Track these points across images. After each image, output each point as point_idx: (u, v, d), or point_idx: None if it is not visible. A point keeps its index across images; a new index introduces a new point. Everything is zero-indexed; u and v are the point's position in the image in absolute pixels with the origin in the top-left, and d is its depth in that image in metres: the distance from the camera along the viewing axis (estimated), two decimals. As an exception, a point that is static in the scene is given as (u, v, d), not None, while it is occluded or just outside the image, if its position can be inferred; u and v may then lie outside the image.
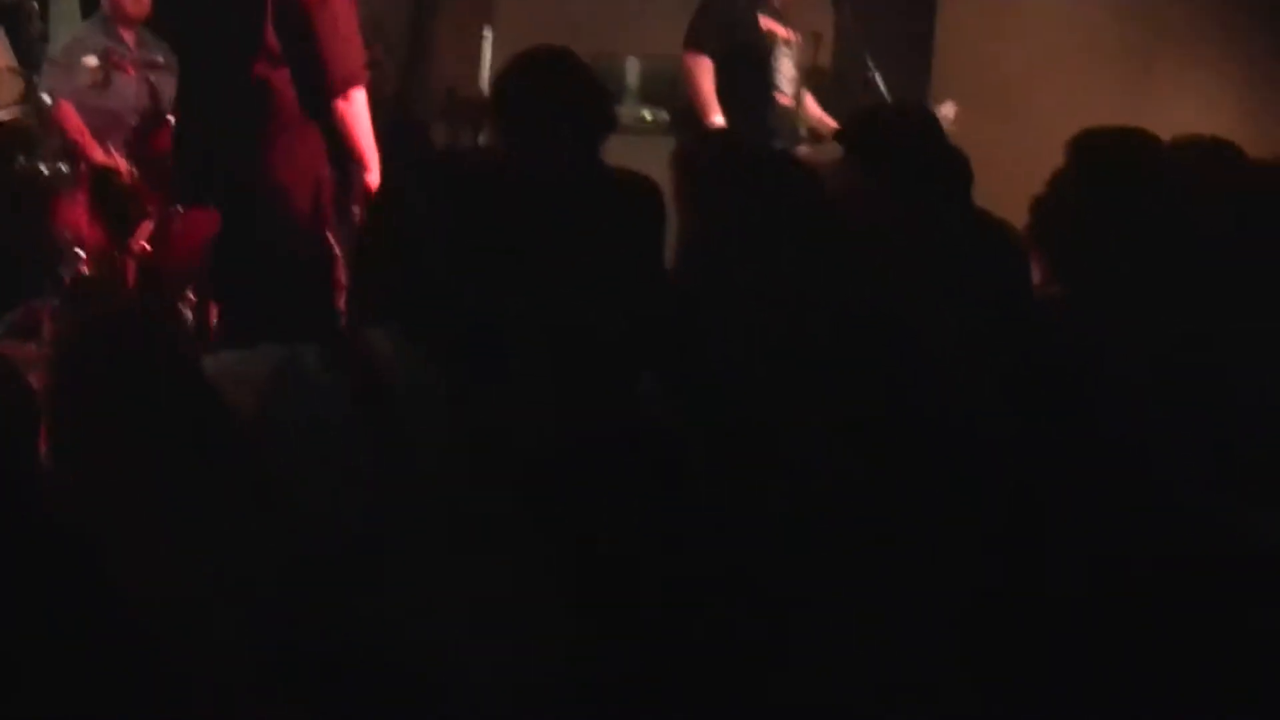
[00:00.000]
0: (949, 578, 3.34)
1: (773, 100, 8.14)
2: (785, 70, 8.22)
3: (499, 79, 4.72)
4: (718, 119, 7.89)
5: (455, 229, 3.12)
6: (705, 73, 7.95)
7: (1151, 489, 3.62)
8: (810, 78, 8.62)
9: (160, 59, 8.66)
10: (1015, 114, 9.40)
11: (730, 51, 8.00)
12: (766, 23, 8.16)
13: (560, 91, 4.47)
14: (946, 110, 8.05)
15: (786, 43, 8.24)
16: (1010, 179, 6.86)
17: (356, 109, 6.02)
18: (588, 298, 3.54)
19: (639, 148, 8.29)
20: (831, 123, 8.23)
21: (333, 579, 2.77)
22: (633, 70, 10.59)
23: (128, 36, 8.84)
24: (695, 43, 8.03)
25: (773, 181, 3.96)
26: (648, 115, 9.95)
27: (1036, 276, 4.70)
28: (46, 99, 8.49)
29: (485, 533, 2.94)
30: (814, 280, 3.72)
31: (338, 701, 2.72)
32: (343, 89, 5.96)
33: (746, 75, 8.05)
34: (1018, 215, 4.96)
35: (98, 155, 8.39)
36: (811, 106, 8.47)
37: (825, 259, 3.76)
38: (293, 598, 2.71)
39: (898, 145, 4.59)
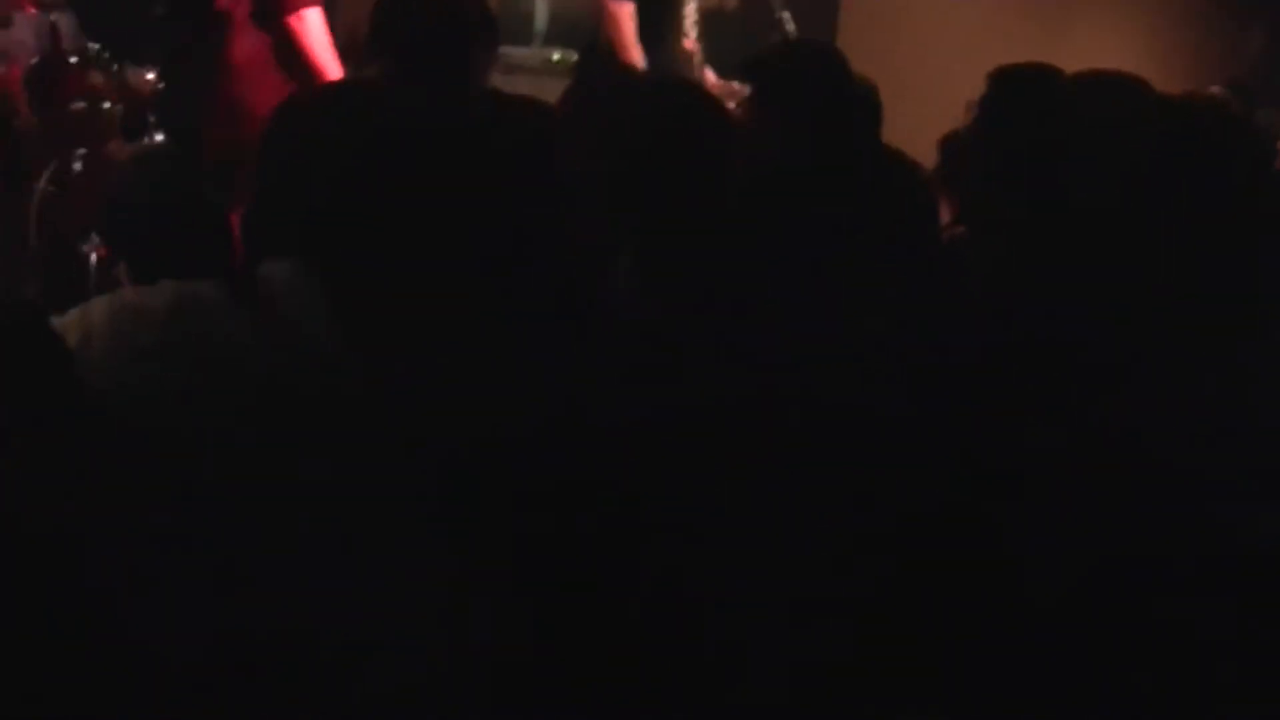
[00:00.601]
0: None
1: (680, 44, 8.10)
2: (690, 13, 8.19)
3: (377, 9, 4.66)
4: (639, 59, 7.86)
5: (344, 165, 3.08)
6: (628, 17, 7.94)
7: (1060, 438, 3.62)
8: (714, 19, 8.56)
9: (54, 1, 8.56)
10: (922, 51, 9.41)
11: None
12: None
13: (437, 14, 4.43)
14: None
15: None
16: (918, 118, 6.93)
17: (310, 28, 6.05)
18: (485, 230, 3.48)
19: (547, 89, 8.30)
20: (712, 74, 8.20)
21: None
22: (541, 13, 10.56)
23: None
24: None
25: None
26: (555, 56, 9.92)
27: (944, 216, 4.72)
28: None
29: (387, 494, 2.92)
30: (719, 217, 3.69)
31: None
32: (294, 7, 5.99)
33: (658, 18, 8.01)
34: (926, 154, 4.99)
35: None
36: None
37: (726, 196, 3.73)
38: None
39: (804, 82, 4.56)
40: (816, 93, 4.46)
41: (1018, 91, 4.30)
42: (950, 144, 5.45)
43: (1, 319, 2.72)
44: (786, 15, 8.21)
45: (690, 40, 8.16)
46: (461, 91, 4.39)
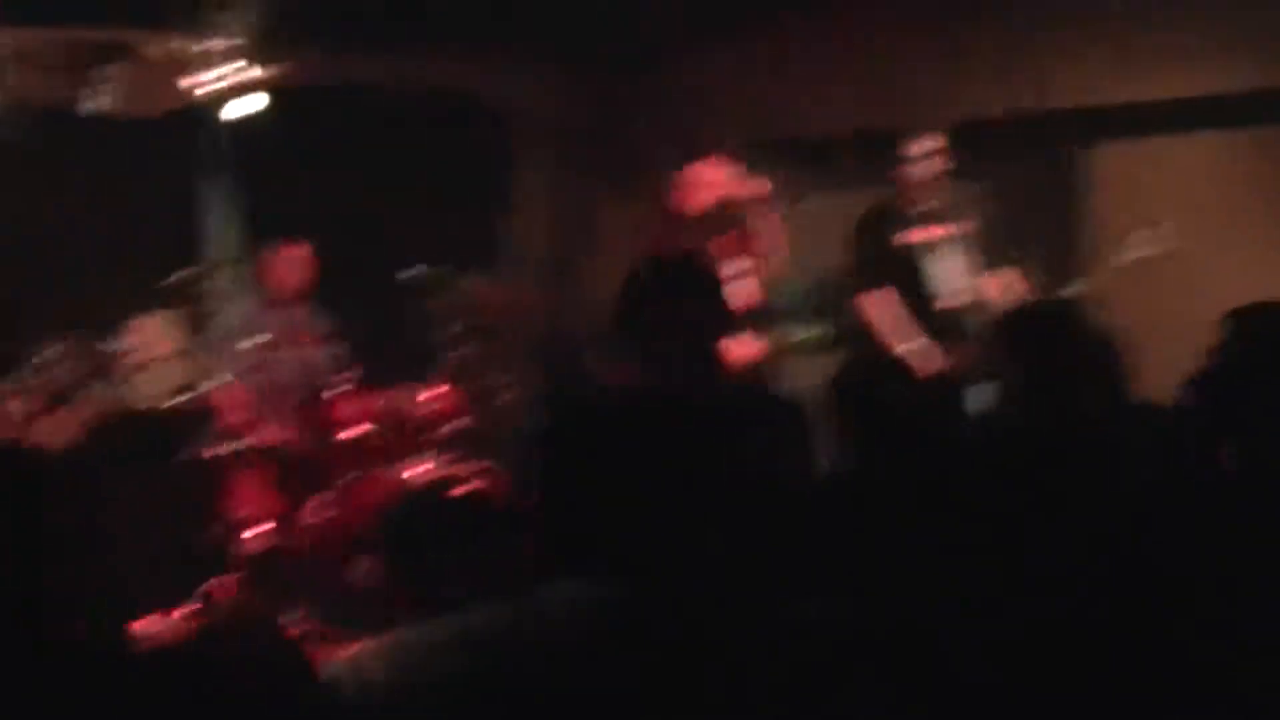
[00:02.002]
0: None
1: (930, 309, 8.17)
2: (941, 272, 8.21)
3: (622, 293, 4.70)
4: (901, 350, 7.88)
5: (624, 471, 3.14)
6: (874, 310, 8.18)
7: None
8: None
9: (320, 333, 8.83)
10: (1164, 289, 9.34)
11: (881, 279, 8.17)
12: (917, 234, 8.24)
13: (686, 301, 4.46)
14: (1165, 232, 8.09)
15: (939, 244, 8.27)
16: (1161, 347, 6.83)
17: None
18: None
19: (804, 366, 8.36)
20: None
21: None
22: (794, 287, 10.65)
23: (288, 313, 9.05)
24: (865, 282, 8.26)
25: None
26: (812, 334, 9.99)
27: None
28: (214, 382, 8.63)
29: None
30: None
31: None
32: None
33: (907, 291, 8.16)
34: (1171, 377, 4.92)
35: (266, 433, 8.56)
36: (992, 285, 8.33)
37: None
38: None
39: (1046, 343, 4.56)
40: (1059, 354, 4.45)
41: (1258, 334, 4.24)
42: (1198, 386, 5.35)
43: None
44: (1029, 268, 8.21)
45: (950, 299, 8.24)
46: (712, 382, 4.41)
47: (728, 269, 7.74)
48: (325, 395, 8.32)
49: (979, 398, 6.64)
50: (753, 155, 8.00)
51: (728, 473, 3.67)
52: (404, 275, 9.36)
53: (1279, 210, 9.55)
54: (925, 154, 8.18)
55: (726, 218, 7.87)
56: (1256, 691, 3.48)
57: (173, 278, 9.07)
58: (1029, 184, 10.07)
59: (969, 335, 8.03)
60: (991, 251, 8.28)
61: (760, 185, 7.86)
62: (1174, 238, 8.21)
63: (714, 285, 6.80)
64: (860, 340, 8.22)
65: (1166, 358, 5.26)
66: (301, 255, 9.17)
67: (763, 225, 7.85)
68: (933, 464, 4.17)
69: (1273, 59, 9.18)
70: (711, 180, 7.81)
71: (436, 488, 7.60)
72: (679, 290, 4.45)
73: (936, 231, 8.23)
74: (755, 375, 7.66)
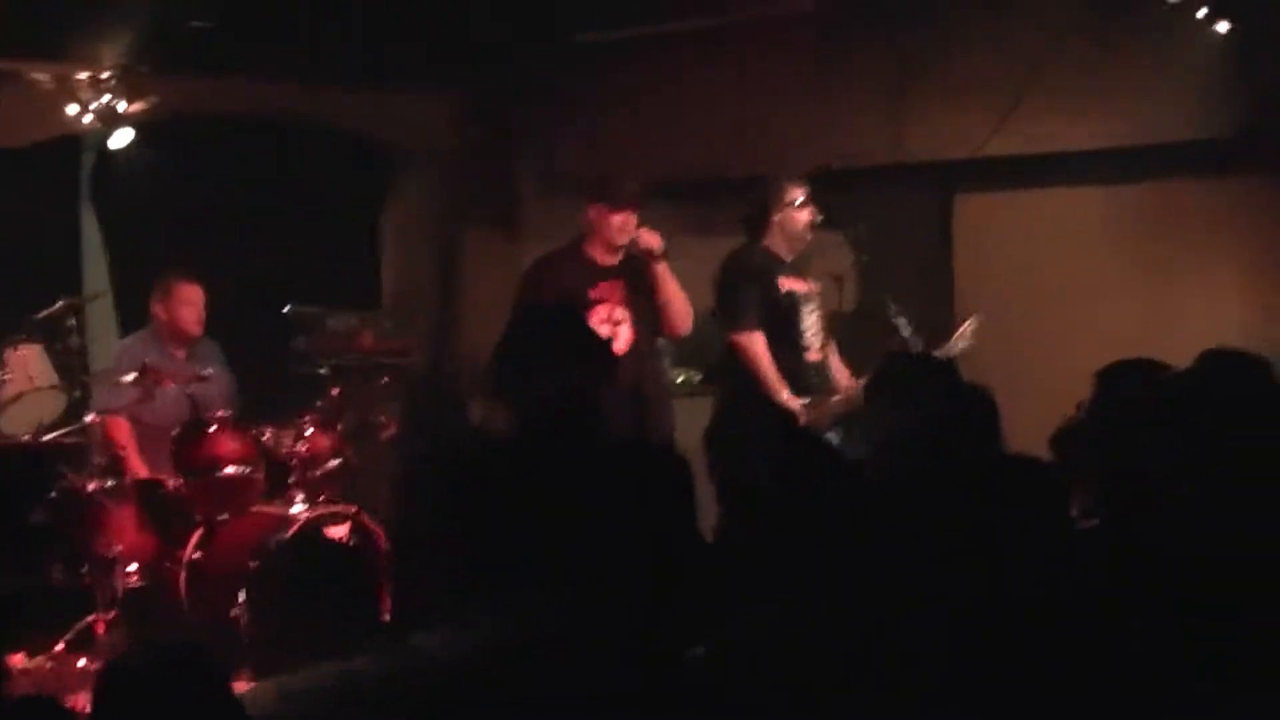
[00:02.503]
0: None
1: (802, 359, 8.18)
2: (810, 325, 8.26)
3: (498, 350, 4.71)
4: (784, 395, 7.91)
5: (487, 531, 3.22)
6: (761, 348, 8.05)
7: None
8: (834, 321, 8.64)
9: (208, 371, 8.81)
10: (1038, 325, 9.51)
11: (762, 319, 8.08)
12: (786, 282, 8.21)
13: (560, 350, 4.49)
14: (969, 326, 8.17)
15: (807, 296, 8.28)
16: (1036, 386, 7.02)
17: None
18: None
19: (676, 410, 8.42)
20: (847, 376, 8.30)
21: None
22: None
23: (178, 352, 8.96)
24: (744, 320, 8.10)
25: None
26: (681, 378, 10.03)
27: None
28: (95, 416, 8.58)
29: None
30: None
31: None
32: None
33: (777, 339, 8.09)
34: (1046, 418, 5.07)
35: (142, 469, 8.54)
36: (833, 357, 8.45)
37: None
38: None
39: (919, 392, 4.67)
40: (932, 402, 4.56)
41: (1125, 389, 4.38)
42: (1063, 440, 5.49)
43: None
44: (901, 318, 8.30)
45: (814, 352, 8.24)
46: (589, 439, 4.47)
47: (615, 315, 7.88)
48: (200, 431, 8.27)
49: (847, 449, 6.84)
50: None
51: (604, 521, 3.75)
52: (281, 311, 9.39)
53: (1137, 261, 9.73)
54: (794, 201, 8.21)
55: (626, 265, 7.94)
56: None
57: (45, 310, 8.99)
58: (902, 232, 10.22)
59: (823, 391, 8.13)
60: (867, 297, 8.36)
61: (653, 236, 7.88)
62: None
63: (596, 338, 6.88)
64: (729, 384, 8.20)
65: (1032, 408, 5.44)
66: (196, 295, 9.05)
67: (657, 275, 7.91)
68: (808, 514, 4.27)
69: (1128, 118, 9.37)
70: (624, 227, 7.83)
71: (307, 535, 7.69)
72: (562, 343, 4.48)
73: (805, 284, 8.28)
74: (637, 424, 7.75)
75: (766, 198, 8.27)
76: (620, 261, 7.97)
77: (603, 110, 10.81)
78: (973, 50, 9.65)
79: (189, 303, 9.00)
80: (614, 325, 7.90)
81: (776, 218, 8.21)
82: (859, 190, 9.58)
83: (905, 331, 8.24)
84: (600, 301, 7.87)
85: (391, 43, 10.01)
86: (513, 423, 4.35)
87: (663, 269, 7.91)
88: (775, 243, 8.22)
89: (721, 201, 9.30)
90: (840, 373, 8.34)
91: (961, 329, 8.19)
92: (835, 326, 8.60)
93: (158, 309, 9.03)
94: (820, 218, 8.24)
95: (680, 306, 8.04)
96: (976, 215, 10.21)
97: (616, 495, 3.73)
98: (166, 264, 9.20)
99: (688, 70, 10.28)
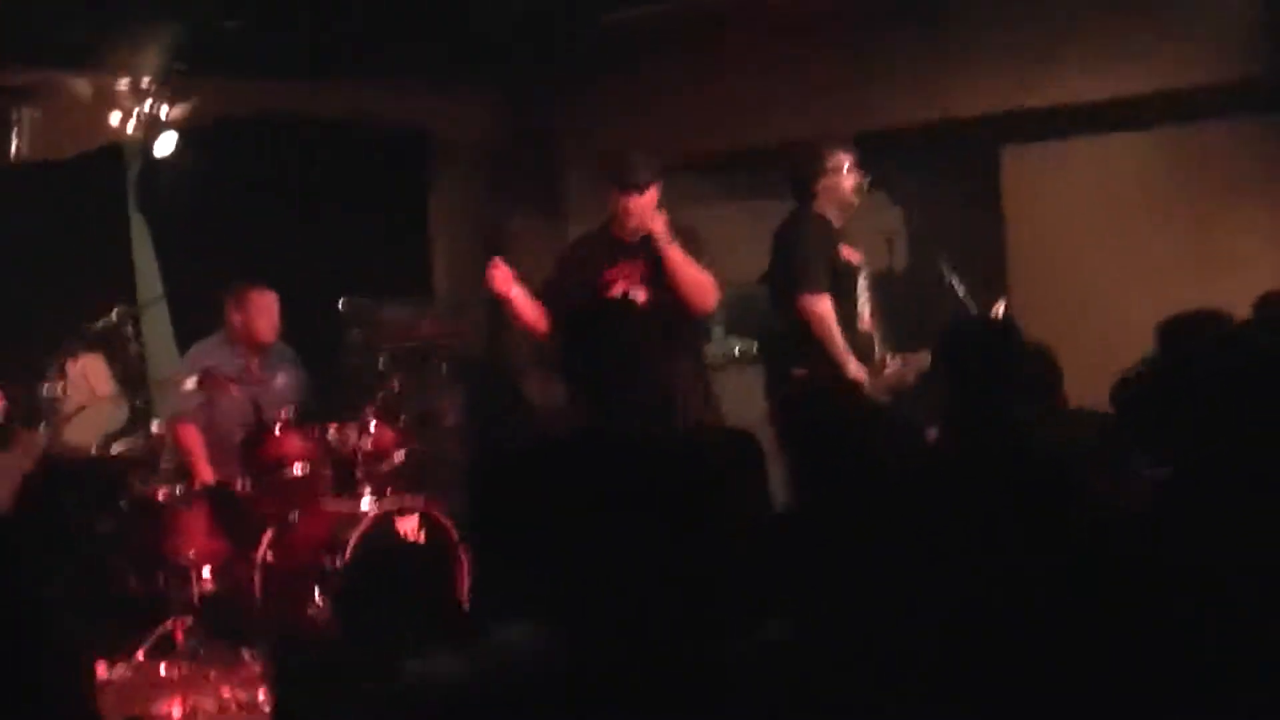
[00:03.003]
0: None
1: (856, 330, 8.11)
2: (863, 295, 8.22)
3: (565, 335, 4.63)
4: (858, 369, 7.87)
5: (566, 518, 3.23)
6: (830, 311, 7.96)
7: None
8: (883, 281, 8.59)
9: (278, 377, 8.94)
10: (1090, 292, 9.48)
11: (829, 286, 8.03)
12: (846, 252, 8.18)
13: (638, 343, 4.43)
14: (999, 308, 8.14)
15: (861, 265, 8.25)
16: (1092, 335, 7.01)
17: None
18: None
19: (729, 379, 8.45)
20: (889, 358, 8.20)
21: None
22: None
23: (252, 358, 8.98)
24: (814, 283, 8.00)
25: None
26: (736, 348, 10.03)
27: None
28: (159, 425, 8.65)
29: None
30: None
31: None
32: None
33: (840, 308, 8.03)
34: (1101, 380, 5.07)
35: (211, 473, 8.63)
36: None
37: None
38: None
39: (983, 358, 4.69)
40: (995, 368, 4.58)
41: (1188, 343, 4.39)
42: (1125, 393, 5.49)
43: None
44: (955, 278, 8.29)
45: (865, 321, 8.20)
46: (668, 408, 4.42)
47: (630, 294, 7.81)
48: (264, 432, 8.34)
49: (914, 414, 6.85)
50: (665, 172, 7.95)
51: (685, 507, 3.78)
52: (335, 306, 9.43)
53: (1186, 204, 9.69)
54: (841, 167, 8.17)
55: (645, 244, 7.81)
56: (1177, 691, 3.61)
57: (102, 320, 9.05)
58: (950, 192, 10.21)
59: (872, 362, 8.07)
60: (917, 258, 8.32)
61: (656, 219, 7.73)
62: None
63: (665, 325, 6.86)
64: (788, 352, 8.16)
65: (1090, 362, 5.45)
66: (270, 302, 9.10)
67: (666, 256, 7.72)
68: (885, 482, 4.28)
69: (1177, 60, 9.32)
70: (645, 208, 7.74)
71: (380, 537, 7.73)
72: (630, 332, 4.46)
73: (858, 254, 8.24)
74: (702, 405, 7.73)
75: (813, 164, 8.22)
76: (641, 240, 7.82)
77: (639, 89, 10.81)
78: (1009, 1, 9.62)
79: (264, 310, 9.04)
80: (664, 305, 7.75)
81: (824, 184, 8.15)
82: (903, 149, 9.57)
83: (961, 291, 8.24)
84: (616, 280, 7.77)
85: (431, 36, 10.02)
86: (584, 409, 4.35)
87: (672, 250, 7.70)
88: (826, 209, 8.17)
89: (763, 170, 9.30)
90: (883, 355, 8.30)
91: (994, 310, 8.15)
92: (886, 289, 8.59)
93: (234, 316, 9.04)
94: (867, 181, 8.20)
95: (695, 286, 7.75)
96: (1024, 167, 10.17)
97: (693, 479, 3.75)
98: (222, 267, 9.27)
99: (723, 42, 10.26)
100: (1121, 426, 5.16)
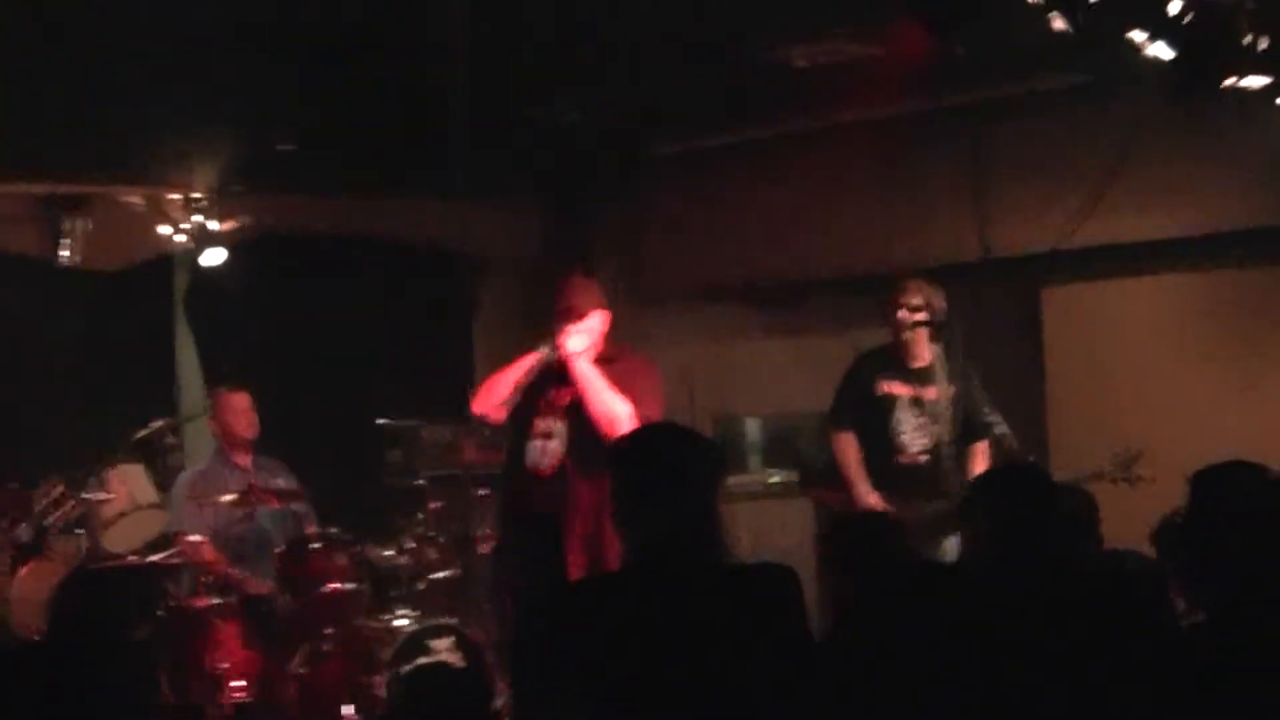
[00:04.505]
0: None
1: (893, 460, 8.17)
2: (910, 428, 8.23)
3: (614, 454, 4.57)
4: (867, 494, 8.01)
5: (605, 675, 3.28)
6: (848, 447, 8.16)
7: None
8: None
9: (284, 481, 8.99)
10: (1130, 413, 9.49)
11: (856, 420, 8.20)
12: (886, 386, 8.23)
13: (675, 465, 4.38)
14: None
15: (915, 401, 8.24)
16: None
17: None
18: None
19: (769, 512, 8.49)
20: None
21: None
22: (754, 430, 10.76)
23: (242, 461, 9.06)
24: (836, 420, 8.28)
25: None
26: (774, 478, 10.05)
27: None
28: (190, 535, 8.67)
29: None
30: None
31: None
32: None
33: (866, 439, 8.18)
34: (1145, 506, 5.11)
35: (248, 586, 8.66)
36: (977, 458, 8.35)
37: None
38: None
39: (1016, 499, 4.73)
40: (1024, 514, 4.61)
41: (1222, 494, 4.42)
42: (1165, 535, 5.52)
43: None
44: (997, 419, 8.32)
45: (909, 455, 8.20)
46: (702, 531, 4.35)
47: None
48: (304, 548, 8.39)
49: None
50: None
51: (729, 640, 3.82)
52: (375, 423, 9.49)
53: (1225, 346, 9.70)
54: (898, 302, 8.27)
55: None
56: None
57: (144, 430, 9.14)
58: (991, 327, 10.24)
59: (923, 493, 8.09)
60: (965, 390, 8.31)
61: (576, 337, 7.37)
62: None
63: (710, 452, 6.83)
64: (826, 484, 8.24)
65: (1130, 496, 5.48)
66: (241, 401, 9.16)
67: (572, 372, 7.32)
68: (927, 611, 4.31)
69: (1210, 205, 9.37)
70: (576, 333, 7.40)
71: (415, 655, 7.75)
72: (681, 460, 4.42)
73: (909, 388, 8.27)
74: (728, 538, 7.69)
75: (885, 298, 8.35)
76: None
77: (685, 216, 10.89)
78: (1054, 143, 9.68)
79: (236, 410, 9.11)
80: (545, 439, 7.35)
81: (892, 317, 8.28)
82: (947, 287, 9.61)
83: (999, 430, 8.26)
84: (556, 401, 7.36)
85: (476, 157, 10.12)
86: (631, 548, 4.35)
87: (579, 366, 7.27)
88: (893, 343, 8.31)
89: (807, 304, 9.36)
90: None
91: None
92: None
93: (212, 424, 9.21)
94: (917, 318, 8.24)
95: (598, 408, 7.19)
96: (1063, 306, 10.20)
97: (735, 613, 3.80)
98: (265, 380, 9.34)
99: (772, 175, 10.34)
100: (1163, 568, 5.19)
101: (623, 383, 7.23)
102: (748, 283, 10.60)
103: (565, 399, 7.31)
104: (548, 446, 7.28)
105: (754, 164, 10.39)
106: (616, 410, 7.14)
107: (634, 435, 4.56)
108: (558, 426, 7.30)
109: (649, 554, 4.05)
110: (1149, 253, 9.69)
